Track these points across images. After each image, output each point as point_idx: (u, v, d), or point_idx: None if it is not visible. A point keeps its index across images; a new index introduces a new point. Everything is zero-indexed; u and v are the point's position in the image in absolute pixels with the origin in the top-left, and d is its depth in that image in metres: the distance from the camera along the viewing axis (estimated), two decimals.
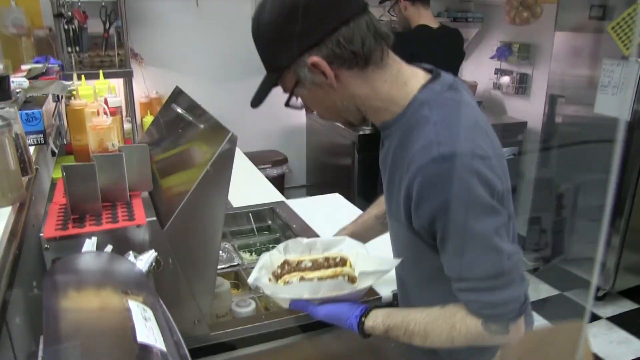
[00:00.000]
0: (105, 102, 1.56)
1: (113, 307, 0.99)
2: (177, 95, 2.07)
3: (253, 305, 1.70)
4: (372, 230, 1.61)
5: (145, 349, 0.85)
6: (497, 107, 4.73)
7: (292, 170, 4.53)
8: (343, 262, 1.33)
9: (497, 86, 4.59)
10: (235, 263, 2.02)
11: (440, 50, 3.32)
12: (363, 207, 4.09)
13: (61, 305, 0.96)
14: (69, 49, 3.08)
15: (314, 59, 1.09)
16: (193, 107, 1.77)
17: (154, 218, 1.34)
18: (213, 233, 1.41)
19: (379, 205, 1.62)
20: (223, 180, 1.36)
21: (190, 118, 1.66)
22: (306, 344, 1.55)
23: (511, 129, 4.35)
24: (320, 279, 1.26)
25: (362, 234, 1.60)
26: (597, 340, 3.37)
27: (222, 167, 1.33)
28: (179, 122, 1.78)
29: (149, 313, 0.97)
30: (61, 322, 0.93)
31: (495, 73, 4.59)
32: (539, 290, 3.83)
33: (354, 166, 4.10)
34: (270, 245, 2.27)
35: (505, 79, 4.48)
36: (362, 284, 1.25)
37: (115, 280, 1.08)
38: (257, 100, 1.20)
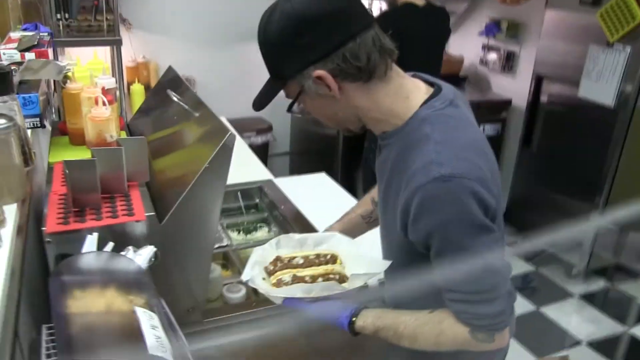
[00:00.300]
0: (103, 91, 1.57)
1: (119, 311, 1.03)
2: (170, 76, 2.09)
3: (243, 291, 1.75)
4: (358, 228, 1.65)
5: None
6: (482, 83, 4.76)
7: (276, 138, 4.55)
8: (333, 259, 1.38)
9: (483, 62, 4.61)
10: (225, 244, 2.06)
11: (426, 29, 3.34)
12: (346, 178, 4.15)
13: (70, 310, 1.00)
14: (58, 16, 3.04)
15: (319, 72, 1.11)
16: (187, 93, 1.79)
17: (153, 213, 1.38)
18: (209, 226, 1.46)
19: (365, 204, 1.67)
20: (220, 176, 1.39)
21: (186, 106, 1.68)
22: (297, 329, 1.61)
23: (495, 106, 4.39)
24: (313, 277, 1.31)
25: (348, 232, 1.65)
26: (569, 317, 3.50)
27: (220, 165, 1.37)
28: (174, 108, 1.80)
29: (156, 320, 1.01)
30: (71, 328, 0.97)
31: (482, 49, 4.61)
32: (515, 266, 3.94)
33: (338, 135, 4.14)
34: (258, 225, 2.32)
35: (492, 56, 4.49)
36: (352, 285, 1.31)
37: (119, 283, 1.12)
38: (260, 104, 1.22)
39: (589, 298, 3.71)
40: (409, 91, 1.19)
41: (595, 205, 3.59)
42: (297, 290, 1.27)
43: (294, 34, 1.09)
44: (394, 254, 1.32)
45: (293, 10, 1.08)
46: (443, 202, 1.06)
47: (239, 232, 2.25)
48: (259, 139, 4.30)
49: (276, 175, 2.63)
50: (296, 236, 1.46)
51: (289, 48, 1.12)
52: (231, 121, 3.85)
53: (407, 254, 1.25)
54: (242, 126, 4.17)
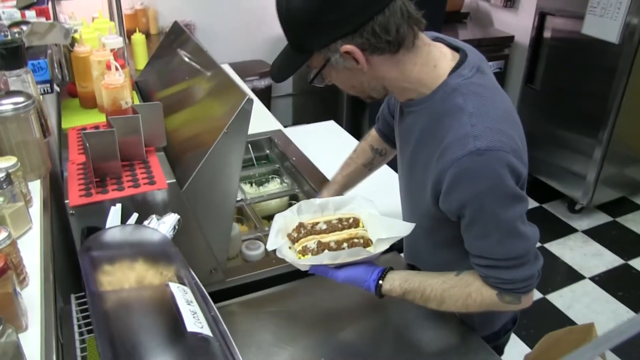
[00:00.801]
0: (114, 55, 1.55)
1: (151, 285, 1.05)
2: (177, 32, 2.05)
3: (262, 247, 1.78)
4: (361, 177, 1.71)
5: (195, 337, 0.92)
6: (484, 19, 4.68)
7: None
8: (355, 222, 1.40)
9: None
10: (239, 198, 2.08)
11: None
12: (351, 118, 4.11)
13: (103, 287, 1.02)
14: None
15: (348, 47, 1.08)
16: (197, 51, 1.77)
17: (174, 180, 1.39)
18: (229, 189, 1.46)
19: (365, 153, 1.69)
20: (239, 140, 1.39)
21: (199, 67, 1.67)
22: (315, 284, 1.64)
23: (498, 42, 4.33)
24: (337, 242, 1.33)
25: (351, 182, 1.71)
26: (572, 252, 3.56)
27: (239, 128, 1.37)
28: (184, 66, 1.78)
29: (189, 294, 1.04)
30: (107, 305, 0.99)
31: None
32: None
33: None
34: (270, 176, 2.33)
35: None
36: (378, 249, 1.33)
37: (147, 255, 1.14)
38: (281, 77, 1.19)
39: (593, 233, 3.77)
40: (436, 59, 1.17)
41: (599, 140, 3.60)
42: (324, 258, 1.29)
43: (322, 9, 1.05)
44: (418, 219, 1.33)
45: None
46: (479, 175, 1.07)
47: (251, 185, 2.27)
48: (262, 83, 4.26)
49: (281, 117, 2.60)
50: (317, 201, 1.47)
51: (315, 22, 1.07)
52: (233, 65, 3.81)
53: (434, 220, 1.27)
54: (244, 70, 4.13)
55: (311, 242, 1.33)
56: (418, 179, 1.23)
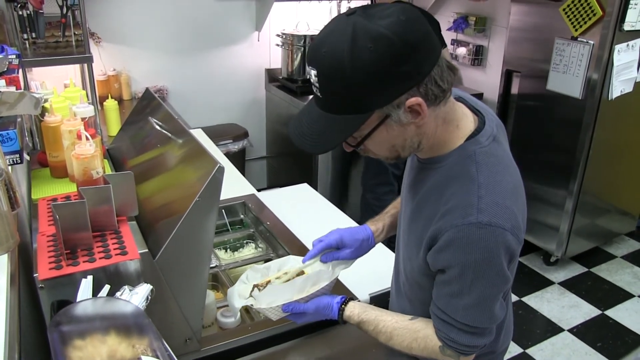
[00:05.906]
0: (85, 125, 1.55)
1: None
2: (149, 100, 2.07)
3: (238, 314, 1.75)
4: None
5: None
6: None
7: (252, 144, 4.53)
8: (301, 273, 1.50)
9: (453, 57, 4.64)
10: (214, 265, 2.06)
11: None
12: (324, 179, 4.12)
13: None
14: (25, 36, 2.97)
15: (415, 99, 1.02)
16: (168, 119, 1.78)
17: (146, 250, 1.37)
18: (203, 257, 1.45)
19: (399, 204, 1.61)
20: (211, 209, 1.40)
21: (170, 135, 1.67)
22: (291, 351, 1.62)
23: None
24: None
25: (392, 226, 1.59)
26: (550, 305, 3.56)
27: (210, 196, 1.37)
28: (155, 134, 1.79)
29: None
30: None
31: (451, 44, 4.63)
32: None
33: None
34: (245, 241, 2.31)
35: (462, 50, 4.52)
36: (337, 272, 1.45)
37: (119, 327, 1.12)
38: (330, 146, 1.09)
39: (569, 284, 3.79)
40: (459, 119, 1.17)
41: (570, 192, 3.66)
42: (292, 293, 1.38)
43: (394, 62, 0.98)
44: (411, 269, 1.33)
45: (394, 36, 0.97)
46: (473, 247, 1.07)
47: (225, 251, 2.25)
48: (235, 146, 4.27)
49: (255, 180, 2.60)
50: (260, 266, 1.54)
51: (384, 78, 0.99)
52: (207, 129, 3.82)
53: (426, 276, 1.26)
54: (218, 133, 4.14)
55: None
56: (418, 231, 1.22)
